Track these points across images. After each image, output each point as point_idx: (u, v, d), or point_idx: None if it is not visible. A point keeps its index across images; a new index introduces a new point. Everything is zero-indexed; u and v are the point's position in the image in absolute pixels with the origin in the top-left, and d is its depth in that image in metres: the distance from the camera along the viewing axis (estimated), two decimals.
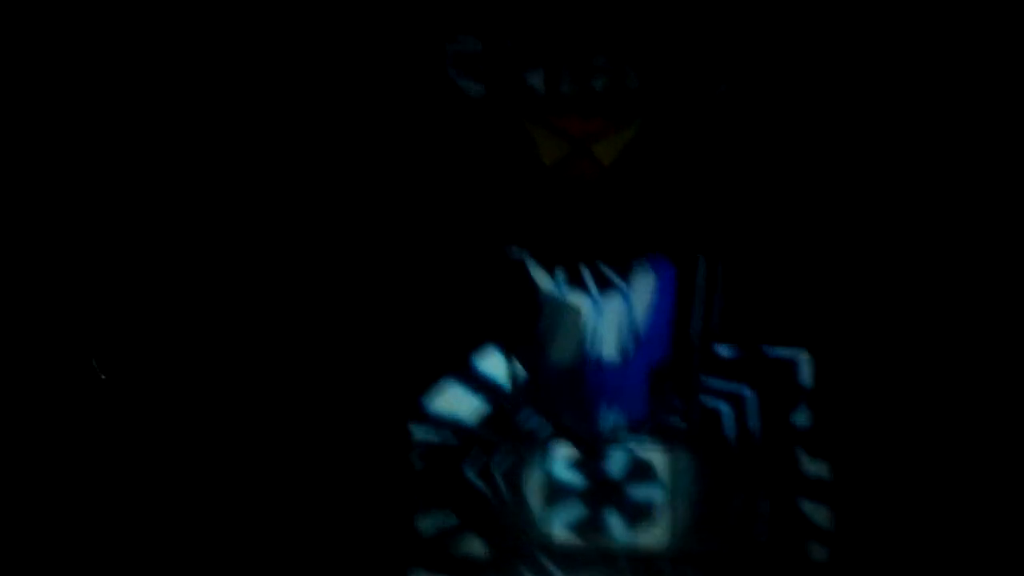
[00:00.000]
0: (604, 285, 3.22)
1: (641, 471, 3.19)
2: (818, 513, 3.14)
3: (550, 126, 3.25)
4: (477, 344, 3.26)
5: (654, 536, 3.16)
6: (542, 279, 3.24)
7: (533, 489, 3.21)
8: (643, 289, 3.21)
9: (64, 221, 3.33)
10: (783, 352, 3.18)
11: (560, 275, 3.23)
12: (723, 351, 3.20)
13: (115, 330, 3.31)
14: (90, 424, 3.30)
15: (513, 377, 3.24)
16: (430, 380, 3.25)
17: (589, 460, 3.20)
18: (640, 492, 3.19)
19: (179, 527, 3.24)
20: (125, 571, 3.23)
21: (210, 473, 3.25)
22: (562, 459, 3.21)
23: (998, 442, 3.10)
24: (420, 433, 3.22)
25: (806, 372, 3.17)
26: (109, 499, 3.26)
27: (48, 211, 3.34)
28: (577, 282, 3.23)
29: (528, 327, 3.24)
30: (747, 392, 3.18)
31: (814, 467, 3.15)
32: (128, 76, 3.32)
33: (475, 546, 3.20)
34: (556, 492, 3.21)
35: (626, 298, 3.21)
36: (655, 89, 3.23)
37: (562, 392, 3.22)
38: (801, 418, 3.16)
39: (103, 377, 3.29)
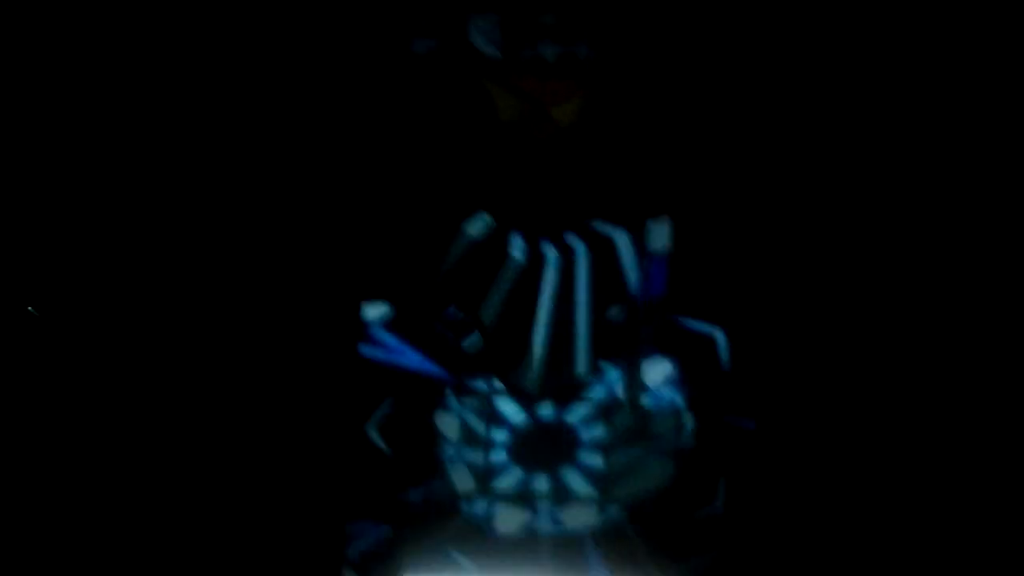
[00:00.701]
0: (557, 245, 3.26)
1: (580, 429, 3.25)
2: (736, 473, 3.22)
3: (509, 86, 3.28)
4: (429, 299, 3.29)
5: (586, 490, 3.23)
6: (495, 237, 3.28)
7: (474, 440, 3.25)
8: (595, 250, 3.26)
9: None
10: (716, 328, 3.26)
11: (513, 233, 3.27)
12: (670, 313, 3.27)
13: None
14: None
15: (464, 333, 3.28)
16: (383, 336, 3.28)
17: (532, 415, 3.25)
18: (576, 450, 3.25)
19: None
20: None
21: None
22: (506, 413, 3.26)
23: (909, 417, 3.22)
24: (368, 386, 3.25)
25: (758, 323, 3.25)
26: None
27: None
28: (530, 240, 3.27)
29: (480, 284, 3.28)
30: (687, 352, 3.26)
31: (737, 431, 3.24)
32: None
33: (416, 496, 3.23)
34: (497, 444, 3.25)
35: (577, 258, 3.26)
36: (612, 54, 3.29)
37: (511, 349, 3.26)
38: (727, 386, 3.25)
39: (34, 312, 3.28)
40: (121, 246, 3.32)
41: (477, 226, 3.27)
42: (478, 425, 3.25)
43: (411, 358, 3.27)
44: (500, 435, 3.25)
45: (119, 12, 3.34)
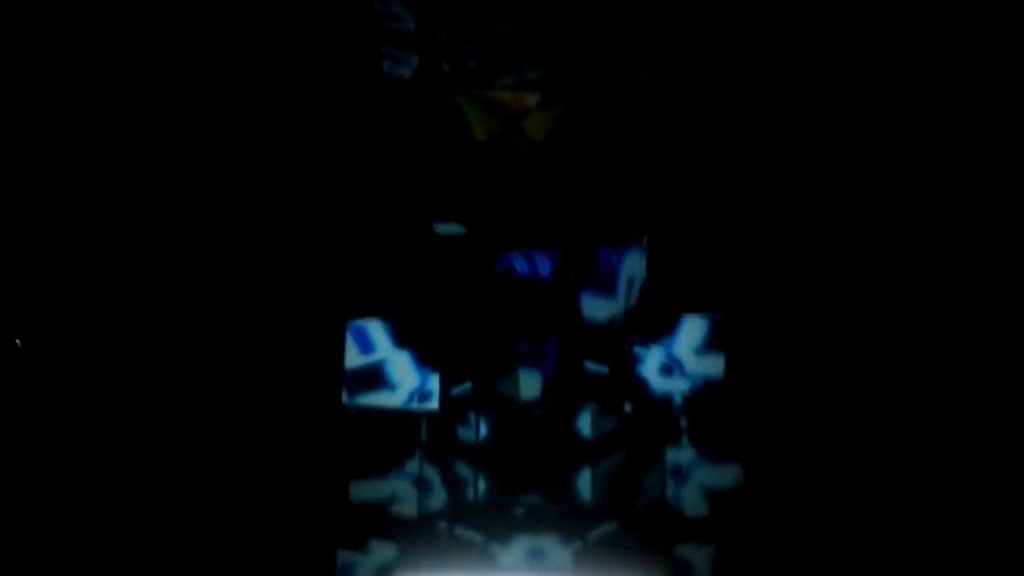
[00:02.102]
0: (535, 257, 3.32)
1: (562, 434, 3.30)
2: (726, 472, 3.28)
3: (482, 102, 3.35)
4: (407, 314, 3.34)
5: (573, 492, 3.27)
6: (472, 251, 3.33)
7: (461, 450, 3.29)
8: (572, 260, 3.32)
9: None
10: (702, 319, 3.32)
11: (491, 248, 3.33)
12: (647, 321, 3.33)
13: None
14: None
15: (442, 346, 3.32)
16: (366, 347, 3.32)
17: (514, 423, 3.29)
18: (560, 452, 3.30)
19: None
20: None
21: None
22: (488, 423, 3.29)
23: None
24: (353, 401, 3.28)
25: (721, 339, 3.32)
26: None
27: None
28: (508, 254, 3.33)
29: (458, 298, 3.33)
30: (666, 359, 3.32)
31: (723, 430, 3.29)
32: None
33: (406, 509, 3.26)
34: (482, 453, 3.29)
35: (556, 270, 3.31)
36: (584, 69, 3.37)
37: (490, 359, 3.31)
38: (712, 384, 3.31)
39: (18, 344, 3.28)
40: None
41: (454, 246, 3.33)
42: (465, 435, 3.29)
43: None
44: (486, 445, 3.29)
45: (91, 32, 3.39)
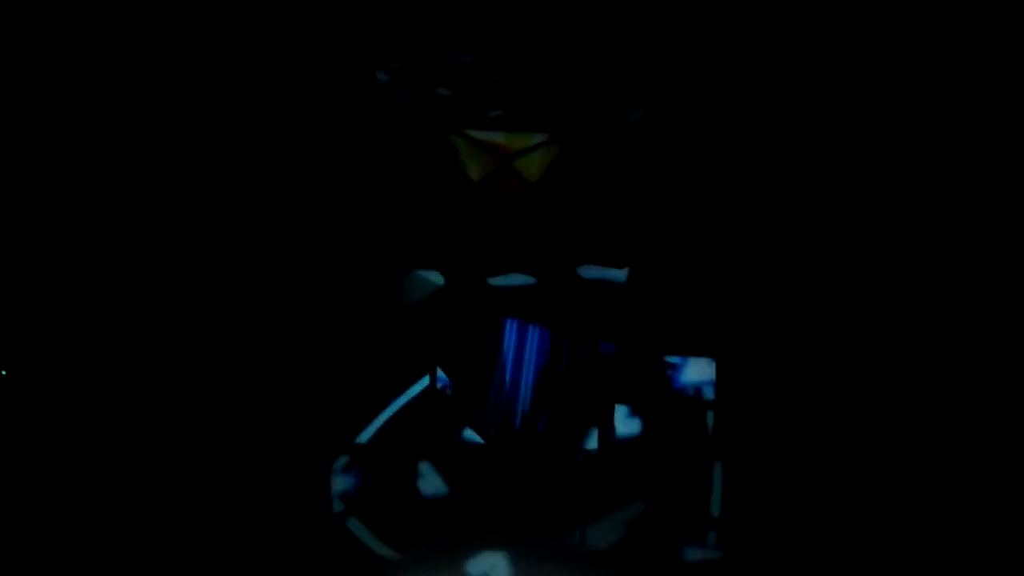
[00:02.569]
0: (528, 299, 3.35)
1: (558, 471, 3.31)
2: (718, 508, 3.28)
3: (475, 140, 3.38)
4: (403, 356, 3.36)
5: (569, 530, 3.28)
6: (466, 293, 3.35)
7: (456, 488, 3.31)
8: (567, 301, 3.34)
9: None
10: (695, 361, 3.33)
11: (485, 288, 3.35)
12: (641, 360, 3.34)
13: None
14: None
15: (436, 385, 3.35)
16: (360, 387, 3.35)
17: (510, 461, 3.30)
18: (555, 491, 3.31)
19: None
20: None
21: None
22: (484, 461, 3.32)
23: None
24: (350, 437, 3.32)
25: (714, 379, 3.32)
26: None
27: None
28: (502, 295, 3.35)
29: (453, 338, 3.35)
30: (661, 398, 3.33)
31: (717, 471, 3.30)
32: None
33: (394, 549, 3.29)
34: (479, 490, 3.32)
35: (549, 311, 3.33)
36: (578, 108, 3.39)
37: (485, 400, 3.33)
38: (708, 425, 3.31)
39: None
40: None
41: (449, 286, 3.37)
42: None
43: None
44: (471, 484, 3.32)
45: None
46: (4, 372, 3.30)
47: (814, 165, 3.37)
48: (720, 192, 3.37)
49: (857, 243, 3.35)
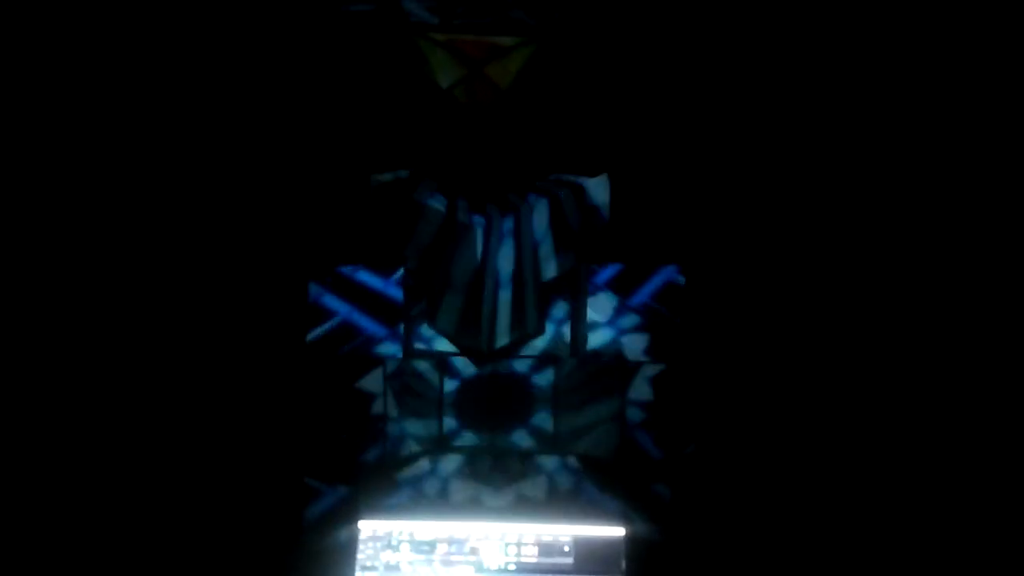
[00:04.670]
0: (499, 207, 3.31)
1: (528, 385, 3.34)
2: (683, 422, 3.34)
3: (447, 46, 3.28)
4: (375, 265, 3.33)
5: (536, 445, 3.32)
6: (438, 202, 3.31)
7: (428, 403, 3.32)
8: (536, 212, 3.31)
9: None
10: (663, 270, 3.34)
11: (457, 198, 3.31)
12: (610, 270, 3.34)
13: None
14: None
15: (410, 296, 3.32)
16: (327, 303, 3.32)
17: (482, 374, 3.31)
18: (525, 404, 3.34)
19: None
20: None
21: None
22: (456, 373, 3.32)
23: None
24: (319, 348, 3.29)
25: (681, 288, 3.34)
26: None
27: None
28: (473, 204, 3.31)
29: (425, 248, 3.31)
30: (629, 311, 3.34)
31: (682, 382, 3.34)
32: None
33: (372, 456, 3.30)
34: (449, 405, 3.33)
35: (520, 220, 3.30)
36: (549, 11, 3.31)
37: (457, 310, 3.31)
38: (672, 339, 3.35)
39: None
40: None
41: (419, 190, 3.31)
42: (428, 386, 3.32)
43: (361, 319, 3.32)
44: (450, 395, 3.32)
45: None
46: None
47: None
48: (699, 103, 3.36)
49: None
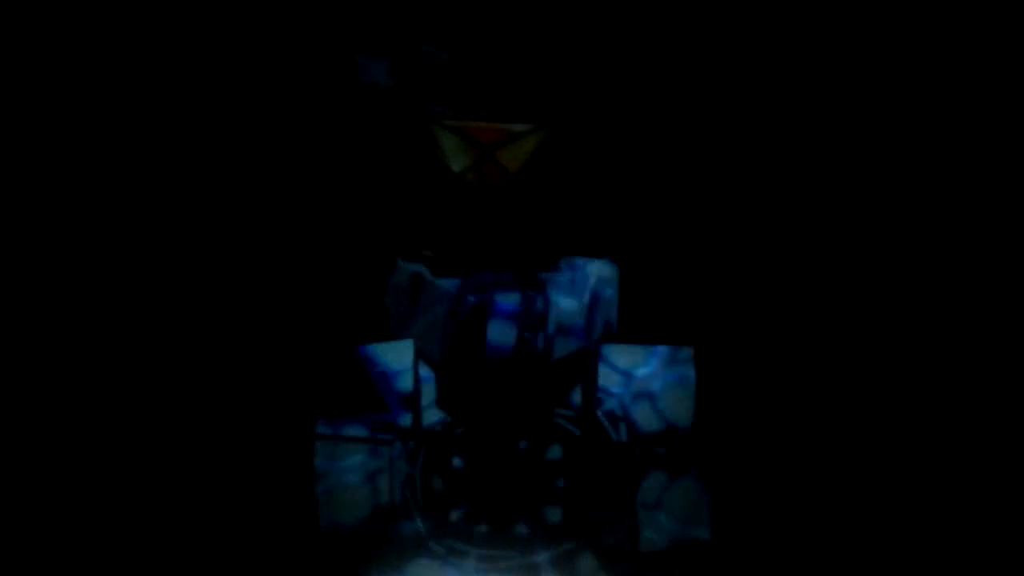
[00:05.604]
0: (509, 288, 3.33)
1: (542, 462, 3.30)
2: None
3: (458, 132, 3.36)
4: (385, 343, 3.36)
5: (555, 523, 3.27)
6: (449, 283, 3.35)
7: (436, 483, 3.30)
8: (547, 291, 3.33)
9: None
10: (676, 350, 3.31)
11: (467, 278, 3.34)
12: (621, 350, 3.32)
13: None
14: None
15: (419, 377, 3.34)
16: (338, 377, 3.35)
17: (492, 454, 3.29)
18: (542, 482, 3.29)
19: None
20: None
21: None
22: (464, 453, 3.31)
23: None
24: (324, 430, 3.31)
25: (696, 368, 3.30)
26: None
27: None
28: (483, 285, 3.34)
29: (434, 329, 3.34)
30: (644, 388, 3.31)
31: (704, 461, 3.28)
32: None
33: (379, 539, 3.28)
34: (459, 484, 3.30)
35: (530, 300, 3.32)
36: (558, 99, 3.37)
37: (466, 391, 3.31)
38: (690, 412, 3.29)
39: None
40: None
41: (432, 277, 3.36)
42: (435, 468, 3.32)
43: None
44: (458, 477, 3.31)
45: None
46: None
47: (801, 160, 3.36)
48: (708, 185, 3.37)
49: (850, 239, 3.35)
